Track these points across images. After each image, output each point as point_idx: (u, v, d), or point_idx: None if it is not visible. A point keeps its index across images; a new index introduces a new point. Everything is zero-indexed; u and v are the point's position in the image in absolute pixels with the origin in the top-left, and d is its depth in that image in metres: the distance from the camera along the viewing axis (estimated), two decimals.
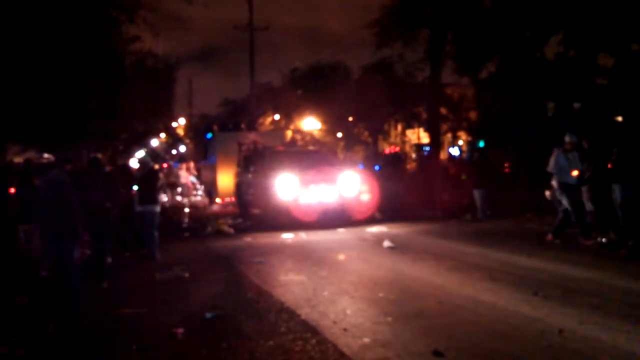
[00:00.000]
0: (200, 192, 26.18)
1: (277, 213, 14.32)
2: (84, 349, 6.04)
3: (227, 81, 74.86)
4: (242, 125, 26.18)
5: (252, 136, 20.35)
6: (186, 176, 23.87)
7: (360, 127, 39.14)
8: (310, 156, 17.23)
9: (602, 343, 5.44)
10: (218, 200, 21.89)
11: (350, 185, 14.92)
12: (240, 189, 18.07)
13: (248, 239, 13.63)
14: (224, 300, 7.63)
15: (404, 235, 13.30)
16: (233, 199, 20.13)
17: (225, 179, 20.83)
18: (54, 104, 16.41)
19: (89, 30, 15.29)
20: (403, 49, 24.41)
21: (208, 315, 6.85)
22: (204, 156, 25.21)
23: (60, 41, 14.26)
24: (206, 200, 23.55)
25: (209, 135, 25.38)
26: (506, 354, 5.26)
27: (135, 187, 11.45)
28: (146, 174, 11.65)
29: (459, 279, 8.31)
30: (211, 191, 22.23)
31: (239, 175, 18.49)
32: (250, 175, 16.62)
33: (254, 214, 16.07)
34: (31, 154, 25.51)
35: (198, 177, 26.40)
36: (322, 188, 14.58)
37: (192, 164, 28.02)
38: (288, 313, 6.88)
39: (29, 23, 13.37)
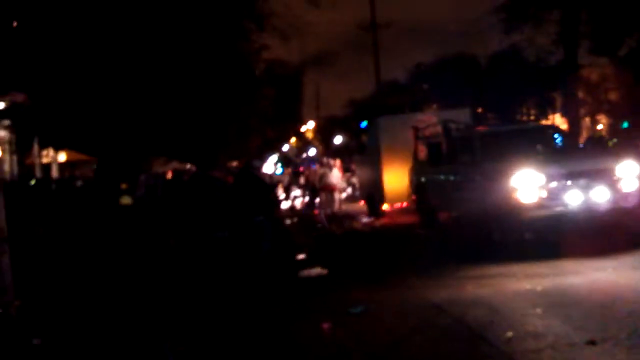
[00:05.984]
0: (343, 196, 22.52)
1: (514, 227, 9.52)
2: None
3: (349, 82, 75.28)
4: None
5: (429, 118, 15.46)
6: (339, 176, 20.05)
7: (491, 117, 38.06)
8: (544, 137, 12.00)
9: None
10: (385, 206, 16.57)
11: (631, 178, 9.62)
12: (423, 189, 13.58)
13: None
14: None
15: None
16: (405, 204, 15.59)
17: (393, 179, 15.82)
18: (192, 118, 17.28)
19: (223, 44, 15.96)
20: (532, 33, 23.47)
21: (353, 310, 6.95)
22: (359, 150, 20.45)
23: (197, 58, 14.98)
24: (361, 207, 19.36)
25: (364, 123, 20.96)
26: None
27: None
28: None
29: None
30: (373, 195, 17.25)
31: (418, 171, 14.02)
32: (446, 171, 12.15)
33: (444, 222, 12.29)
34: (174, 165, 27.27)
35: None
36: (586, 184, 9.32)
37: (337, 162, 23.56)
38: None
39: (168, 43, 14.19)
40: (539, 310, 6.22)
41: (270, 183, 14.53)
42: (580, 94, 28.36)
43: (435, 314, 6.53)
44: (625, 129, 18.65)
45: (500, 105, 33.80)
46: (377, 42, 30.94)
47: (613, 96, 30.21)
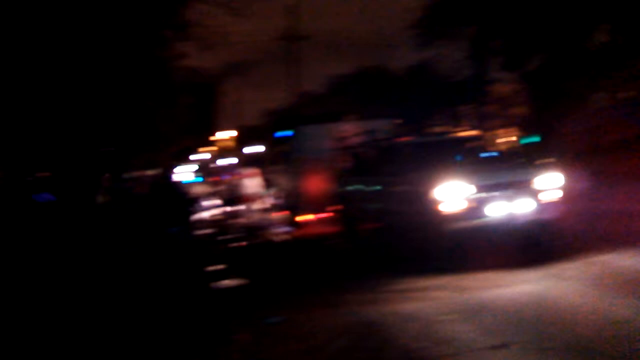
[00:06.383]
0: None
1: (439, 238, 9.29)
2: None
3: (268, 92, 75.11)
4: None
5: (353, 128, 15.24)
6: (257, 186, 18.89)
7: (407, 128, 38.92)
8: (468, 148, 11.83)
9: None
10: (307, 217, 16.45)
11: (553, 189, 9.78)
12: (346, 200, 13.32)
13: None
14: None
15: None
16: (328, 214, 15.13)
17: (316, 189, 15.74)
18: (102, 123, 16.73)
19: (139, 50, 15.52)
20: (446, 48, 24.27)
21: (271, 319, 6.87)
22: (278, 160, 19.98)
23: (111, 63, 14.52)
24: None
25: (283, 133, 20.25)
26: None
27: None
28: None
29: None
30: (295, 205, 17.13)
31: (341, 181, 13.78)
32: (370, 181, 12.10)
33: (366, 234, 11.94)
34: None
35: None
36: (509, 196, 9.41)
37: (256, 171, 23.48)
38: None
39: (80, 49, 13.69)
40: (458, 318, 6.38)
41: (185, 192, 14.13)
42: (492, 108, 29.50)
43: (362, 329, 6.39)
44: (537, 142, 19.53)
45: (414, 117, 34.64)
46: (298, 53, 31.11)
47: (522, 111, 31.49)
